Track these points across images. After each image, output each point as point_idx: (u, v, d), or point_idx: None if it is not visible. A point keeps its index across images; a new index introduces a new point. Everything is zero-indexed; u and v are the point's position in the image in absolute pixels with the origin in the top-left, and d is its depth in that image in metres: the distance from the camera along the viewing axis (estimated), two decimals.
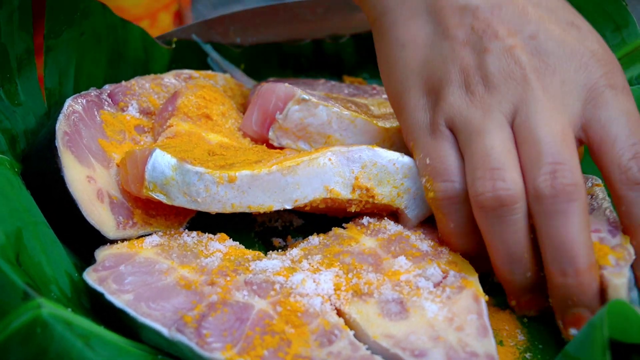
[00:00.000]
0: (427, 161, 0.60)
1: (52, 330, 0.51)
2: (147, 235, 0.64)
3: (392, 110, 0.73)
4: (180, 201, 0.62)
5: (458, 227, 0.60)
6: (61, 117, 0.65)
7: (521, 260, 0.58)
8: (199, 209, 0.62)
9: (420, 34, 0.62)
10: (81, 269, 0.60)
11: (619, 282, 0.57)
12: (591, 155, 0.59)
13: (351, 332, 0.55)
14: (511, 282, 0.60)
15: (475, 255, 0.62)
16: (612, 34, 0.79)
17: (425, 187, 0.61)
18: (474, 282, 0.59)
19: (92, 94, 0.70)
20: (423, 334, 0.55)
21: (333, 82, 0.82)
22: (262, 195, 0.63)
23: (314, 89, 0.77)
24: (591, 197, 0.64)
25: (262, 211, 0.63)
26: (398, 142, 0.71)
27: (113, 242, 0.63)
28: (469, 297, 0.58)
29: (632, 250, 0.59)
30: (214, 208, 0.62)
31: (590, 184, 0.66)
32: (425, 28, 0.62)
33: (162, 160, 0.61)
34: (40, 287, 0.55)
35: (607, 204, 0.63)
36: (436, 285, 0.59)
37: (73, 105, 0.67)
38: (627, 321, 0.51)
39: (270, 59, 0.92)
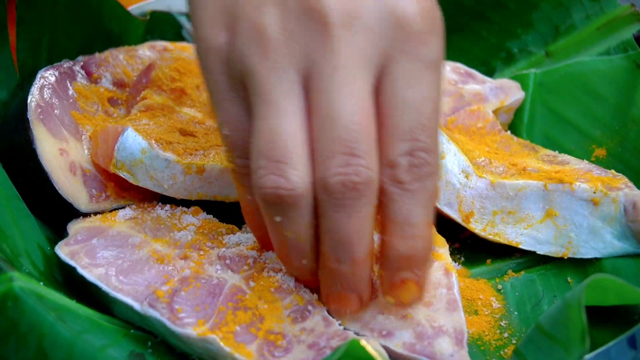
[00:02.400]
0: (223, 129, 0.51)
1: (23, 304, 0.50)
2: (120, 208, 0.64)
3: None
4: (146, 183, 0.62)
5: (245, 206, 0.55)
6: (33, 89, 0.64)
7: (303, 251, 0.52)
8: (164, 193, 0.63)
9: None
10: (54, 242, 0.60)
11: None
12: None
13: (324, 308, 0.55)
14: (297, 271, 0.55)
15: None
16: (591, 3, 0.79)
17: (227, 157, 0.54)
18: (444, 255, 0.60)
19: (64, 65, 0.69)
20: (391, 312, 0.55)
21: None
22: (229, 187, 0.63)
23: None
24: (553, 155, 0.68)
25: (227, 201, 0.63)
26: None
27: (86, 215, 0.63)
28: (439, 271, 0.58)
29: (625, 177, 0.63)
30: (179, 195, 0.63)
31: (538, 149, 0.70)
32: None
33: (133, 142, 0.61)
34: (12, 261, 0.55)
35: (569, 156, 0.68)
36: None
37: (45, 77, 0.66)
38: (602, 289, 0.51)
39: None
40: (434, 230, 0.54)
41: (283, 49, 0.48)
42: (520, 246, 0.65)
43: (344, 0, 0.48)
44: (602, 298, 0.52)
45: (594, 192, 0.62)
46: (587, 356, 0.48)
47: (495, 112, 0.75)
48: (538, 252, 0.65)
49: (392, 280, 0.52)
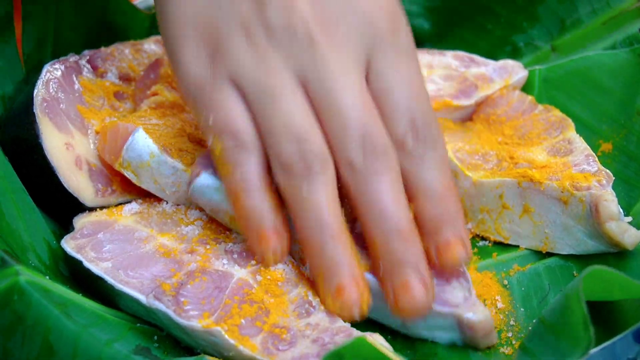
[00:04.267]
0: (211, 120, 0.55)
1: (29, 298, 0.51)
2: (126, 202, 0.64)
3: None
4: (149, 187, 0.62)
5: (247, 180, 0.55)
6: (39, 83, 0.64)
7: (335, 230, 0.54)
8: (164, 198, 0.63)
9: None
10: (59, 236, 0.60)
11: (609, 198, 0.60)
12: None
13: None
14: (323, 260, 0.54)
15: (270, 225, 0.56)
16: None
17: (212, 150, 0.56)
18: None
19: (70, 59, 0.69)
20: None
21: None
22: (229, 205, 0.63)
23: None
24: (568, 142, 0.67)
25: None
26: None
27: (92, 209, 0.63)
28: None
29: (610, 172, 0.63)
30: (179, 202, 0.63)
31: (559, 132, 0.68)
32: None
33: (143, 144, 0.61)
34: (17, 255, 0.55)
35: (582, 143, 0.67)
36: None
37: (51, 71, 0.66)
38: (605, 283, 0.51)
39: None
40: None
41: (276, 57, 0.54)
42: (508, 241, 0.66)
43: (319, 13, 0.55)
44: (607, 293, 0.52)
45: (562, 192, 0.62)
46: (593, 350, 0.48)
47: (501, 91, 0.75)
48: (521, 246, 0.66)
49: (437, 244, 0.55)
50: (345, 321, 0.54)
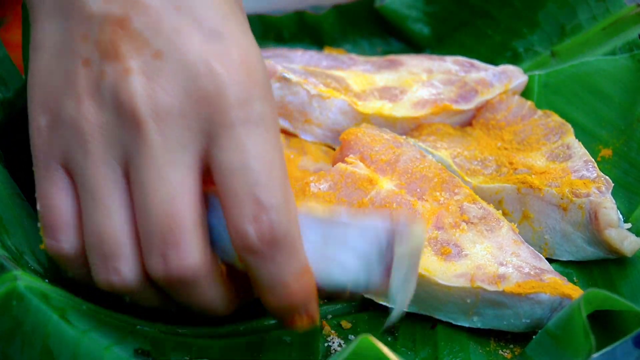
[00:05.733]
0: (38, 206, 0.50)
1: (28, 303, 0.50)
2: None
3: (370, 87, 0.73)
4: None
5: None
6: None
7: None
8: None
9: (51, 38, 0.50)
10: None
11: (608, 205, 0.61)
12: None
13: None
14: None
15: None
16: (597, 3, 0.79)
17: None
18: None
19: None
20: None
21: (311, 53, 0.81)
22: None
23: (291, 61, 0.76)
24: (567, 147, 0.68)
25: None
26: (377, 124, 0.71)
27: None
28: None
29: (609, 179, 0.63)
30: None
31: (558, 137, 0.68)
32: (56, 33, 0.50)
33: None
34: (16, 258, 0.55)
35: (581, 149, 0.67)
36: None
37: None
38: (603, 300, 0.52)
39: (252, 29, 0.91)
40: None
41: (101, 144, 0.48)
42: None
43: (151, 93, 0.47)
44: (606, 305, 0.53)
45: (561, 198, 0.62)
46: (594, 355, 0.48)
47: (500, 96, 0.75)
48: None
49: (283, 320, 0.51)
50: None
